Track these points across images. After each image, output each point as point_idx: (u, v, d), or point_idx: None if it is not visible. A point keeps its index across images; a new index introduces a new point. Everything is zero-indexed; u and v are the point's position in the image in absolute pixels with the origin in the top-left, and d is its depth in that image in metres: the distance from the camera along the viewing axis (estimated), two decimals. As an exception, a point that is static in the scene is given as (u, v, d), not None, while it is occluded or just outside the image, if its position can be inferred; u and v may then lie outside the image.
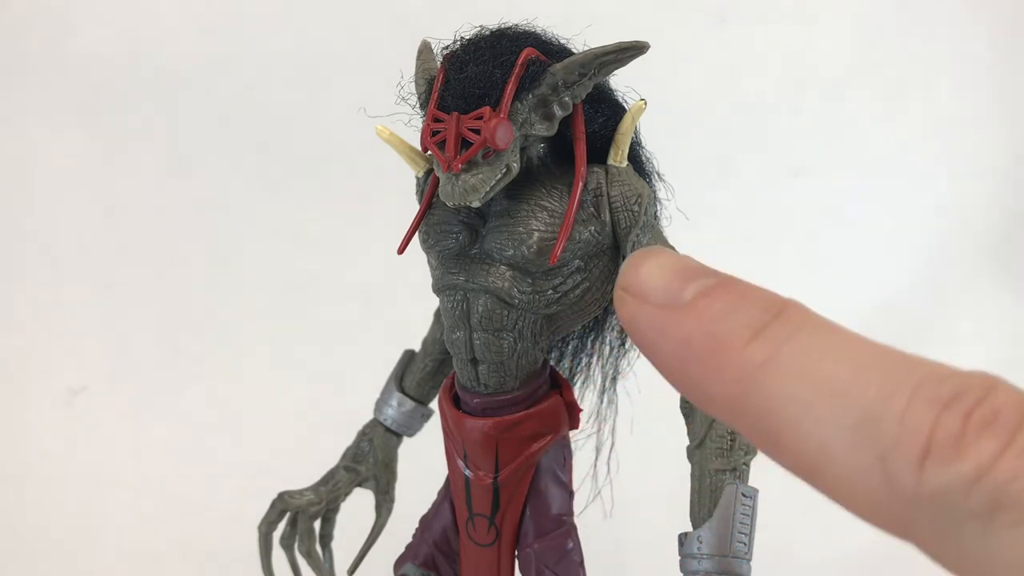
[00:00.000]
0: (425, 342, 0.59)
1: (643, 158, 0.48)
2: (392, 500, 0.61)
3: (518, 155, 0.43)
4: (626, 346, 0.54)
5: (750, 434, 0.23)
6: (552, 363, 0.52)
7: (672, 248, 0.47)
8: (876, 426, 0.20)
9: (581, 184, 0.44)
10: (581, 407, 0.52)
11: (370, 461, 0.59)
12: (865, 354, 0.22)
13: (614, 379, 0.55)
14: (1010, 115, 1.19)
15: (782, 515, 0.72)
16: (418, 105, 0.47)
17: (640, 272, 0.26)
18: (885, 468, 0.20)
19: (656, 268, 0.26)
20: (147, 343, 1.05)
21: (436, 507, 0.55)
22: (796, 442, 0.22)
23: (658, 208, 0.47)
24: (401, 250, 0.48)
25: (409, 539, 0.56)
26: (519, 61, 0.42)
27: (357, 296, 1.09)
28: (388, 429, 0.59)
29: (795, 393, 0.22)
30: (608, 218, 0.45)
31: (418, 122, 0.47)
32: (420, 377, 0.59)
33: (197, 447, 0.94)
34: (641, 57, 0.43)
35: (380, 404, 0.60)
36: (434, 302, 0.51)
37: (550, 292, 0.46)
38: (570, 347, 0.55)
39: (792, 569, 0.79)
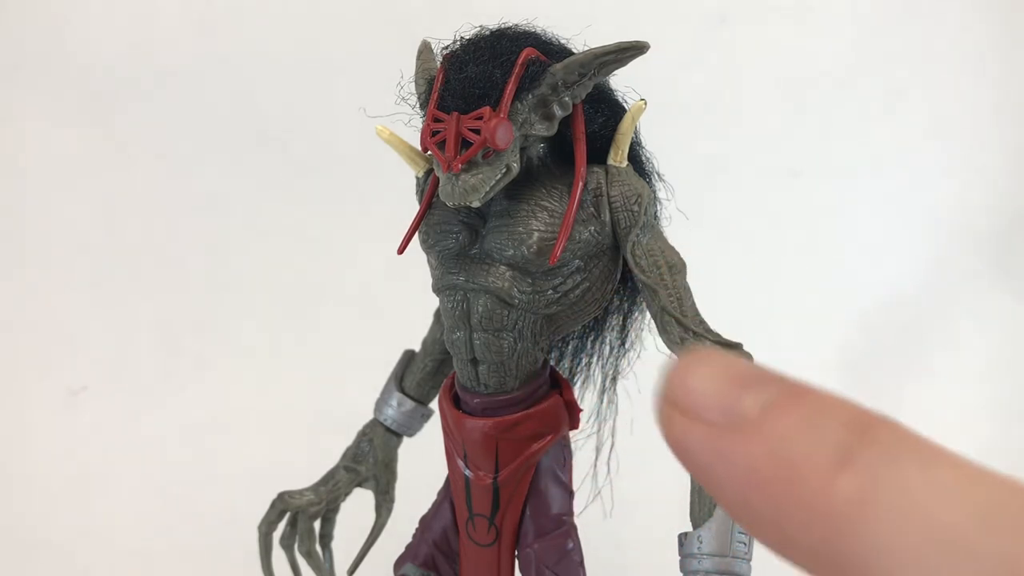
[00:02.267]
0: (425, 342, 0.59)
1: (643, 158, 0.48)
2: (392, 500, 0.61)
3: (518, 155, 0.43)
4: (626, 346, 0.54)
5: None
6: (552, 363, 0.52)
7: (673, 248, 0.47)
8: None
9: (581, 184, 0.44)
10: (581, 407, 0.52)
11: (370, 461, 0.59)
12: (986, 492, 0.18)
13: (614, 379, 0.55)
14: (1010, 115, 1.19)
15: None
16: (418, 105, 0.47)
17: (689, 383, 0.21)
18: None
19: (709, 376, 0.21)
20: (147, 343, 1.05)
21: (436, 507, 0.55)
22: None
23: (658, 208, 0.47)
24: (401, 250, 0.48)
25: (409, 539, 0.56)
26: (519, 61, 0.42)
27: (357, 296, 1.09)
28: (388, 429, 0.59)
29: (902, 540, 0.18)
30: (608, 218, 0.45)
31: (418, 122, 0.47)
32: (420, 377, 0.59)
33: (197, 447, 0.94)
34: (641, 57, 0.43)
35: (380, 404, 0.60)
36: (434, 302, 0.51)
37: (550, 292, 0.46)
38: (570, 347, 0.55)
39: (792, 569, 0.79)
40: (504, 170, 0.42)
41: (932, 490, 0.18)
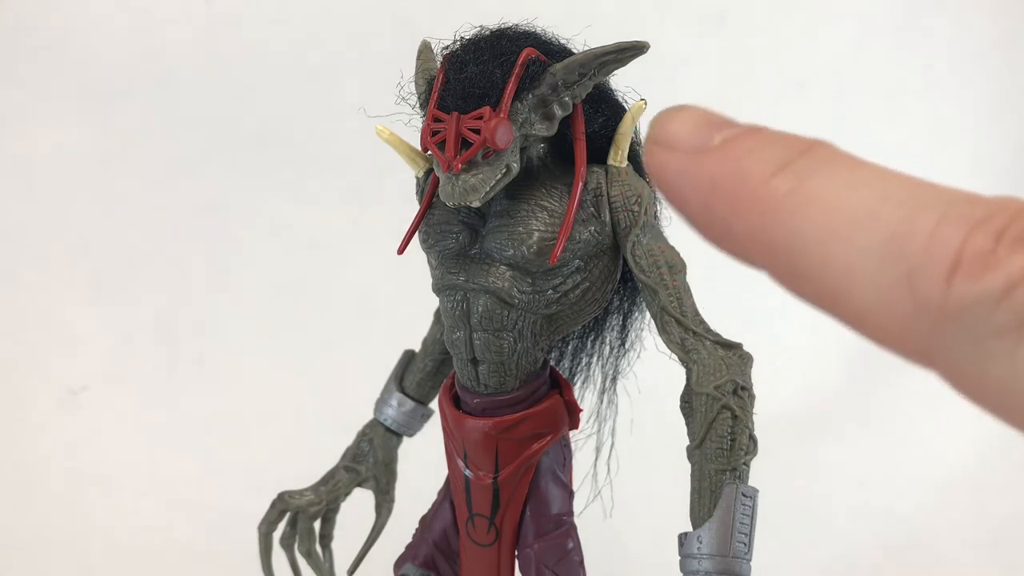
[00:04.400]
0: (425, 342, 0.59)
1: (643, 158, 0.48)
2: (392, 500, 0.61)
3: (518, 155, 0.43)
4: (626, 346, 0.54)
5: (772, 267, 0.23)
6: (552, 363, 0.52)
7: (674, 248, 0.47)
8: (903, 245, 0.20)
9: (581, 184, 0.44)
10: (581, 407, 0.52)
11: (370, 461, 0.59)
12: (893, 182, 0.22)
13: (614, 379, 0.55)
14: (1011, 115, 1.19)
15: (782, 515, 0.72)
16: (418, 105, 0.47)
17: (670, 123, 0.26)
18: (911, 285, 0.20)
19: (686, 118, 0.26)
20: (147, 343, 1.05)
21: (436, 507, 0.55)
22: (819, 269, 0.22)
23: (658, 208, 0.47)
24: (401, 250, 0.48)
25: (409, 539, 0.56)
26: (519, 61, 0.42)
27: (357, 296, 1.09)
28: (388, 429, 0.59)
29: (819, 220, 0.22)
30: (608, 218, 0.45)
31: (418, 122, 0.47)
32: (420, 377, 0.58)
33: (197, 447, 0.94)
34: (641, 57, 0.43)
35: (380, 404, 0.60)
36: (434, 302, 0.51)
37: (550, 292, 0.46)
38: (570, 347, 0.55)
39: (792, 569, 0.79)
40: (504, 170, 0.42)
41: (848, 182, 0.22)
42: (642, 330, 0.53)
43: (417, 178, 0.51)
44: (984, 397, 0.20)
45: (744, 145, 0.24)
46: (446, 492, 0.54)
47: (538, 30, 0.45)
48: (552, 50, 0.44)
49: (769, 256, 0.23)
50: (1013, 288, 0.19)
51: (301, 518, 0.57)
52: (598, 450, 0.56)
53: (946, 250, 0.20)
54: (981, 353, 0.19)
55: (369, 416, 0.60)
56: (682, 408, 0.46)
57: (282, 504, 0.58)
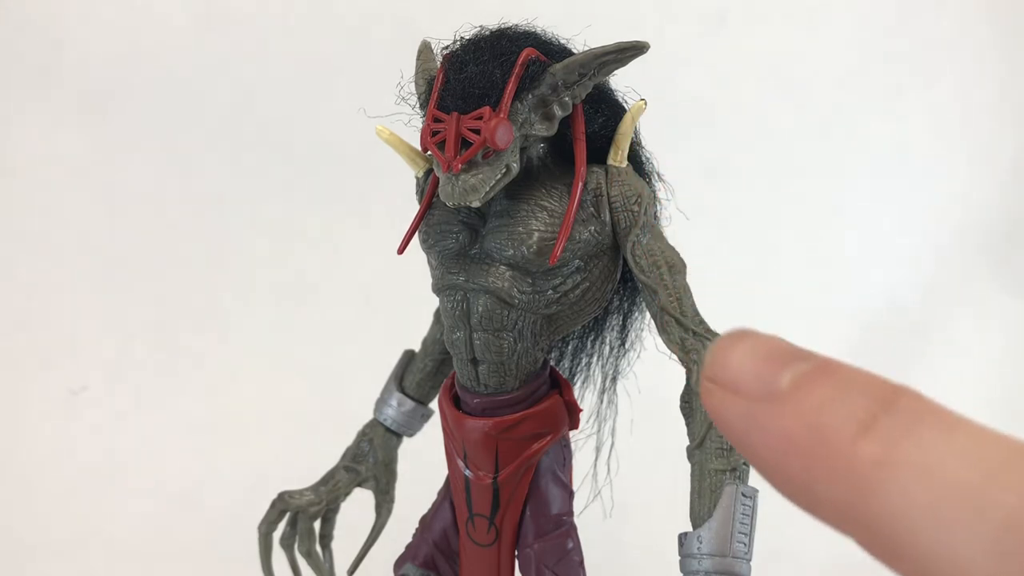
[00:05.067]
0: (425, 342, 0.59)
1: (643, 158, 0.48)
2: (392, 500, 0.61)
3: (518, 155, 0.43)
4: (626, 346, 0.54)
5: (865, 541, 0.21)
6: (552, 363, 0.52)
7: (673, 248, 0.47)
8: (1020, 537, 0.18)
9: (581, 184, 0.44)
10: (581, 407, 0.52)
11: (370, 461, 0.59)
12: (997, 452, 0.19)
13: (614, 379, 0.55)
14: (1011, 115, 1.19)
15: (782, 515, 0.72)
16: (418, 105, 0.47)
17: (729, 360, 0.23)
18: None
19: (748, 353, 0.23)
20: (147, 343, 1.05)
21: (436, 507, 0.55)
22: (922, 552, 0.19)
23: (658, 208, 0.47)
24: (401, 250, 0.48)
25: (409, 539, 0.56)
26: (519, 61, 0.42)
27: (357, 296, 1.09)
28: (388, 429, 0.59)
29: (919, 498, 0.19)
30: (608, 218, 0.45)
31: (418, 122, 0.47)
32: (420, 377, 0.58)
33: (197, 447, 0.94)
34: (641, 57, 0.43)
35: (380, 404, 0.60)
36: (434, 302, 0.51)
37: (550, 292, 0.46)
38: (570, 347, 0.55)
39: (792, 569, 0.79)
40: (504, 170, 0.42)
41: (946, 451, 0.19)
42: (642, 330, 0.53)
43: (417, 178, 0.51)
44: None
45: (819, 392, 0.21)
46: (446, 492, 0.54)
47: (538, 30, 0.45)
48: (552, 50, 0.44)
49: (861, 530, 0.21)
50: None
51: (301, 518, 0.57)
52: (598, 450, 0.56)
53: None
54: None
55: (369, 416, 0.60)
56: (682, 408, 0.46)
57: (282, 504, 0.58)
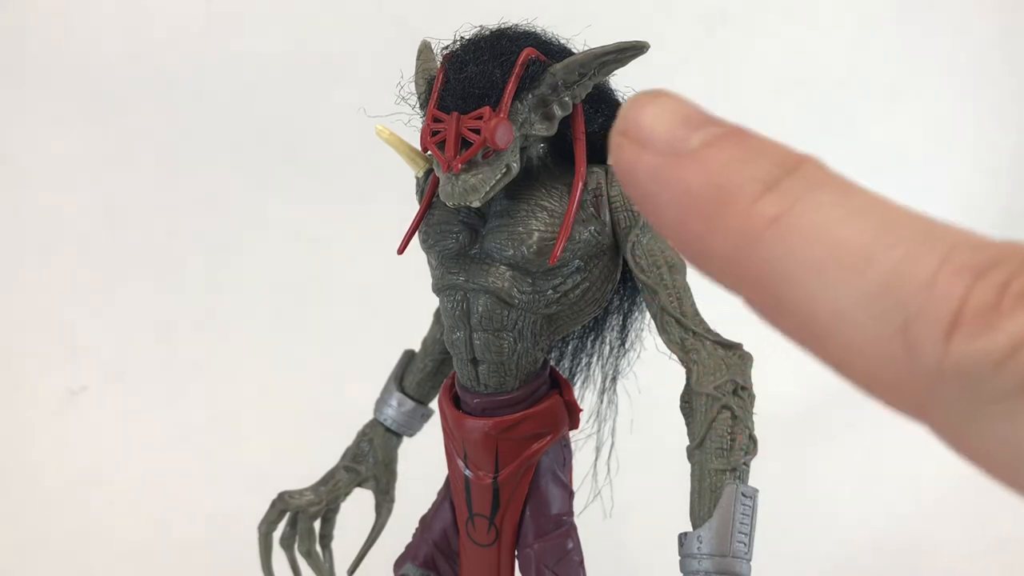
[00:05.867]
0: (425, 342, 0.59)
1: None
2: (392, 500, 0.61)
3: (518, 155, 0.43)
4: (626, 346, 0.54)
5: (751, 297, 0.22)
6: (552, 363, 0.52)
7: (674, 250, 0.47)
8: (899, 292, 0.19)
9: (581, 184, 0.44)
10: (581, 407, 0.52)
11: (370, 461, 0.59)
12: (890, 216, 0.20)
13: (614, 379, 0.55)
14: (1011, 115, 1.19)
15: (782, 515, 0.72)
16: (418, 105, 0.47)
17: (642, 116, 0.23)
18: (907, 338, 0.18)
19: (660, 112, 0.23)
20: (147, 343, 1.05)
21: (436, 507, 0.55)
22: (804, 306, 0.20)
23: None
24: (401, 250, 0.48)
25: (409, 539, 0.56)
26: (519, 61, 0.42)
27: (357, 296, 1.09)
28: (388, 429, 0.59)
29: (808, 254, 0.20)
30: (608, 218, 0.45)
31: (418, 122, 0.47)
32: (420, 377, 0.58)
33: (197, 447, 0.94)
34: (641, 57, 0.43)
35: (380, 404, 0.60)
36: (434, 302, 0.51)
37: (550, 292, 0.46)
38: (570, 347, 0.55)
39: (792, 569, 0.79)
40: (504, 170, 0.42)
41: (841, 212, 0.20)
42: (642, 330, 0.53)
43: (417, 178, 0.51)
44: (981, 459, 0.19)
45: (727, 154, 0.22)
46: (446, 492, 0.54)
47: (538, 30, 0.45)
48: (552, 50, 0.44)
49: (749, 285, 0.21)
50: (1016, 350, 0.17)
51: (301, 518, 0.57)
52: (598, 450, 0.56)
53: (946, 302, 0.18)
54: (980, 415, 0.18)
55: (369, 416, 0.60)
56: (682, 408, 0.46)
57: (282, 504, 0.58)
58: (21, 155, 1.14)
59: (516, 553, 0.52)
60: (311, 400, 0.98)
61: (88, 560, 0.84)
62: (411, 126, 0.48)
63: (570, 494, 0.52)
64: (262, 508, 0.58)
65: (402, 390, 0.59)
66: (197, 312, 1.08)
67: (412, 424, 0.60)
